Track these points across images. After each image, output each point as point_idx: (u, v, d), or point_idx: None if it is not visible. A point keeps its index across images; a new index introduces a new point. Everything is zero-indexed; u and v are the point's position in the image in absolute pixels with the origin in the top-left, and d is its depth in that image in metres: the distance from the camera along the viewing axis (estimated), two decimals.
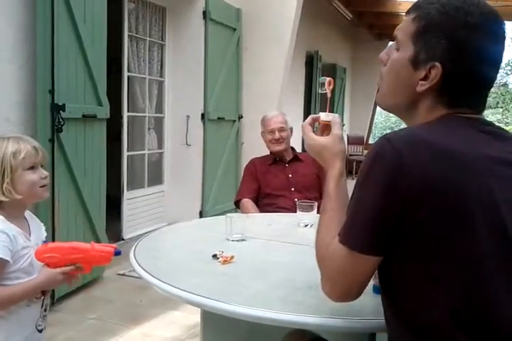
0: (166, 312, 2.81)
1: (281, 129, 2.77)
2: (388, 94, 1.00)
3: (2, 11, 2.62)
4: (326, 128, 1.18)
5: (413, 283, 0.88)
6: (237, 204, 2.84)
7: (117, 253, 1.32)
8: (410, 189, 0.82)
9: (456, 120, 0.92)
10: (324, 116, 1.19)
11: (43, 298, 1.37)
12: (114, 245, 1.36)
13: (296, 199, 2.62)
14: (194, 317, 2.68)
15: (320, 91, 2.19)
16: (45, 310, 1.39)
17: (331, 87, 1.34)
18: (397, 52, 0.98)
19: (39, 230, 1.42)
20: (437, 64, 0.89)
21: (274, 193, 2.72)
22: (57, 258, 1.28)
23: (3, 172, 1.25)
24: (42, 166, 1.34)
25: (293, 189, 2.73)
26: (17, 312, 1.29)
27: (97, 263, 1.36)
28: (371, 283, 1.23)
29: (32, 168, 1.30)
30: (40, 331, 1.37)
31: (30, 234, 1.35)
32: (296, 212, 2.10)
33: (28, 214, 1.40)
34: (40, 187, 1.33)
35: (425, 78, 0.91)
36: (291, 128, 2.87)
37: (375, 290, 1.21)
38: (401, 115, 1.01)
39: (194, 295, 1.19)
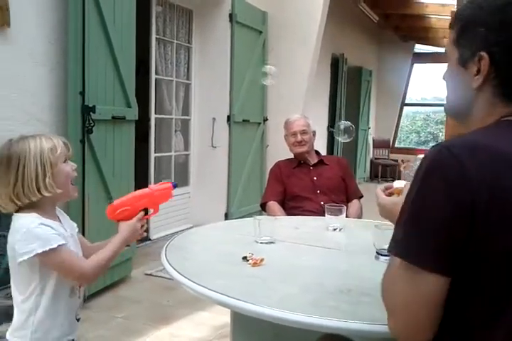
0: (193, 312, 2.83)
1: (303, 132, 2.80)
2: (452, 102, 1.01)
3: (35, 14, 2.68)
4: (397, 193, 1.26)
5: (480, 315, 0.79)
6: (263, 207, 2.84)
7: (175, 186, 1.43)
8: (476, 198, 0.76)
9: None
10: (397, 183, 1.28)
11: (82, 288, 1.41)
12: (168, 181, 1.46)
13: (322, 202, 2.62)
14: (222, 318, 2.69)
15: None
16: (84, 300, 1.44)
17: (405, 165, 1.46)
18: (448, 63, 0.99)
19: (71, 226, 1.45)
20: (483, 53, 0.88)
21: (301, 195, 2.71)
22: (128, 210, 1.38)
23: (44, 168, 1.28)
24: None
25: (318, 191, 2.72)
26: (59, 302, 1.31)
27: (162, 201, 1.44)
28: None
29: (65, 161, 1.35)
30: (78, 320, 1.41)
31: (65, 229, 1.38)
32: (322, 215, 2.10)
33: (58, 211, 1.42)
34: (72, 184, 1.37)
35: (478, 72, 0.90)
36: (314, 132, 2.89)
37: None
38: (464, 120, 1.00)
39: (226, 297, 1.19)
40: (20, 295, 1.30)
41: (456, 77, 0.96)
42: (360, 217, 2.71)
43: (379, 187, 1.28)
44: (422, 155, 1.51)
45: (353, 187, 2.86)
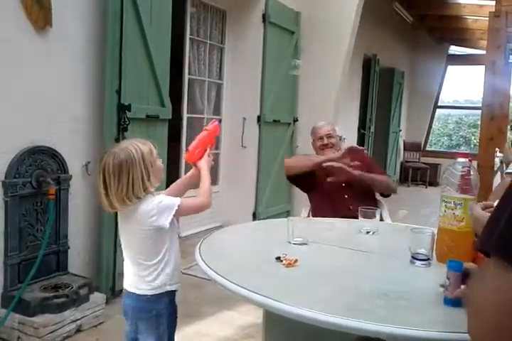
0: (220, 311, 2.84)
1: (329, 135, 2.86)
2: None
3: (75, 14, 2.75)
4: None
5: None
6: (289, 178, 2.86)
7: (220, 121, 1.95)
8: None
9: None
10: None
11: None
12: (213, 120, 1.87)
13: (351, 206, 2.59)
14: (248, 317, 2.70)
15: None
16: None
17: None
18: None
19: None
20: None
21: (328, 200, 2.70)
22: (200, 152, 1.76)
23: (148, 169, 1.53)
24: None
25: (346, 196, 2.69)
26: (175, 252, 1.62)
27: (215, 136, 1.85)
28: (443, 294, 1.20)
29: None
30: None
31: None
32: (351, 218, 2.09)
33: None
34: None
35: None
36: (341, 137, 2.96)
37: (447, 302, 1.18)
38: None
39: (262, 296, 1.20)
40: (153, 255, 1.57)
41: None
42: (390, 184, 2.77)
43: (478, 204, 1.29)
44: (462, 159, 1.48)
45: (381, 172, 2.88)
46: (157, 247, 1.57)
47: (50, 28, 2.58)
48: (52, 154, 2.59)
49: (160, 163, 1.62)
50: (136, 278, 1.59)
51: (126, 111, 2.89)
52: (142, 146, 1.54)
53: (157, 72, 3.20)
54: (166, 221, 1.52)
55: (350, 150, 2.60)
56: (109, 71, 2.83)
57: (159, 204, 1.53)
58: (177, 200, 1.56)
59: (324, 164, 2.56)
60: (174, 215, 1.54)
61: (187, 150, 1.81)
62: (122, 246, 1.64)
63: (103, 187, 1.51)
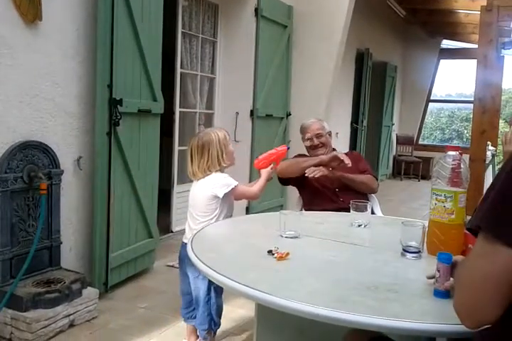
0: None
1: (318, 135, 2.83)
2: None
3: (65, 8, 2.72)
4: None
5: None
6: (281, 180, 2.85)
7: (288, 148, 2.37)
8: None
9: None
10: None
11: None
12: (284, 145, 2.41)
13: (341, 200, 2.61)
14: (241, 311, 2.71)
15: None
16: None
17: None
18: None
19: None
20: None
21: (319, 195, 2.71)
22: (265, 162, 2.26)
23: (222, 150, 2.10)
24: None
25: (337, 189, 2.70)
26: (225, 211, 2.13)
27: (281, 158, 2.33)
28: (433, 286, 1.21)
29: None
30: None
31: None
32: (343, 209, 2.09)
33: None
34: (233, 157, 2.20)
35: None
36: (330, 132, 2.91)
37: (437, 294, 1.19)
38: None
39: (253, 290, 1.20)
40: (206, 214, 2.09)
41: None
42: (369, 185, 2.73)
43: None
44: (453, 152, 1.49)
45: (366, 168, 2.84)
46: (210, 209, 2.07)
47: (39, 22, 2.55)
48: (43, 149, 2.58)
49: (232, 148, 2.17)
50: (190, 232, 2.09)
51: (118, 106, 2.87)
52: (219, 132, 2.12)
53: (149, 66, 3.18)
54: (221, 193, 2.05)
55: (334, 159, 2.61)
56: (101, 65, 2.81)
57: (223, 180, 2.09)
58: (236, 183, 2.10)
59: (307, 174, 2.56)
60: (229, 192, 2.06)
61: (257, 157, 2.32)
62: (189, 206, 2.17)
63: (190, 161, 2.13)
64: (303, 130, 2.91)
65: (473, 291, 0.80)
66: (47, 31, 2.61)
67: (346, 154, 2.92)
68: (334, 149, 2.94)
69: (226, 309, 2.79)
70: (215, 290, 2.08)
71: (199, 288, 2.08)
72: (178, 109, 4.36)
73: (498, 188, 0.81)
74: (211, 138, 2.09)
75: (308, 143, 2.86)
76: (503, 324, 0.79)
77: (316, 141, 2.82)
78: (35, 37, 2.56)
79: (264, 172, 2.24)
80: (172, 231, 4.28)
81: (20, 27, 2.47)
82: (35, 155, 2.53)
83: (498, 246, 0.76)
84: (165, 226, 4.25)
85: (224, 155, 2.10)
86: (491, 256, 0.77)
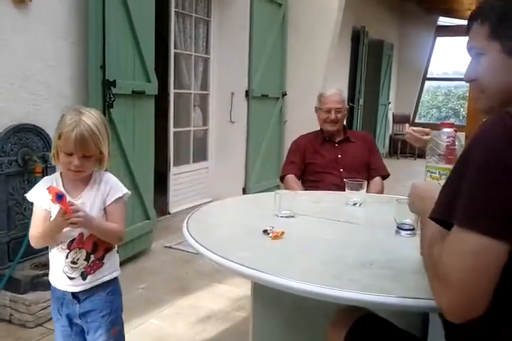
0: (211, 284, 2.89)
1: (338, 110, 2.68)
2: (498, 96, 0.97)
3: None
4: None
5: None
6: (283, 179, 2.83)
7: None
8: None
9: None
10: None
11: (67, 251, 1.50)
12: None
13: (344, 179, 2.59)
14: (239, 290, 2.74)
15: None
16: (72, 263, 1.50)
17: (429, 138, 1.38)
18: (484, 58, 0.98)
19: (100, 196, 1.55)
20: None
21: (322, 171, 2.69)
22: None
23: None
24: None
25: (341, 170, 2.69)
26: (52, 250, 1.54)
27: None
28: None
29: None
30: (70, 278, 1.52)
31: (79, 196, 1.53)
32: (343, 190, 2.09)
33: (103, 179, 1.57)
34: None
35: None
36: (347, 108, 2.79)
37: None
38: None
39: (248, 268, 1.21)
40: None
41: (503, 69, 0.95)
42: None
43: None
44: (447, 129, 1.48)
45: (378, 163, 2.76)
46: None
47: (29, 2, 2.50)
48: (37, 132, 2.56)
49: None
50: None
51: (112, 87, 2.85)
52: None
53: (142, 46, 3.14)
54: None
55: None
56: (93, 46, 2.78)
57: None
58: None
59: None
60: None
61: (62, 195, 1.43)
62: None
63: None
64: (322, 99, 2.71)
65: (468, 289, 0.78)
66: (37, 12, 2.57)
67: (357, 135, 2.85)
68: (345, 127, 2.83)
69: (223, 288, 2.84)
70: None
71: None
72: (172, 90, 4.32)
73: (472, 177, 0.79)
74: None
75: (324, 115, 2.68)
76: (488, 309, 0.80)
77: (333, 116, 2.66)
78: (26, 17, 2.52)
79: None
80: (169, 213, 4.30)
81: (9, 7, 2.43)
82: (29, 138, 2.52)
83: (489, 240, 0.76)
84: (162, 208, 4.26)
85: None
86: (483, 251, 0.77)
